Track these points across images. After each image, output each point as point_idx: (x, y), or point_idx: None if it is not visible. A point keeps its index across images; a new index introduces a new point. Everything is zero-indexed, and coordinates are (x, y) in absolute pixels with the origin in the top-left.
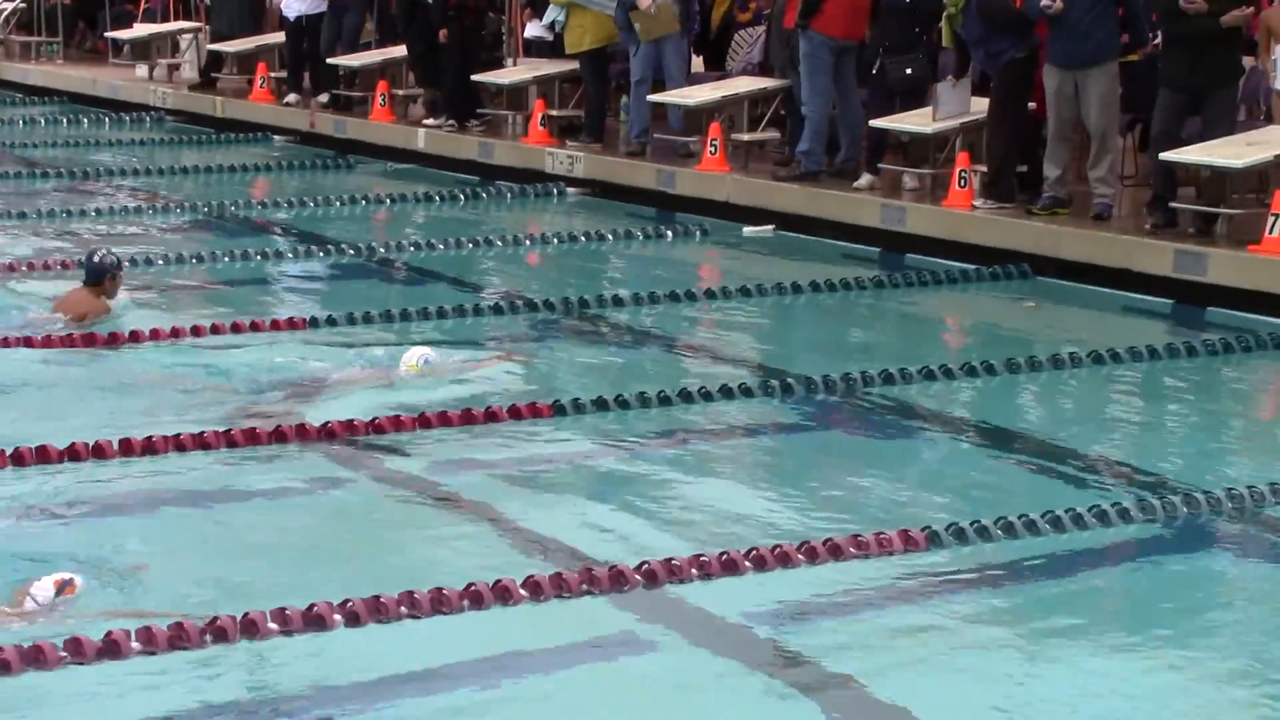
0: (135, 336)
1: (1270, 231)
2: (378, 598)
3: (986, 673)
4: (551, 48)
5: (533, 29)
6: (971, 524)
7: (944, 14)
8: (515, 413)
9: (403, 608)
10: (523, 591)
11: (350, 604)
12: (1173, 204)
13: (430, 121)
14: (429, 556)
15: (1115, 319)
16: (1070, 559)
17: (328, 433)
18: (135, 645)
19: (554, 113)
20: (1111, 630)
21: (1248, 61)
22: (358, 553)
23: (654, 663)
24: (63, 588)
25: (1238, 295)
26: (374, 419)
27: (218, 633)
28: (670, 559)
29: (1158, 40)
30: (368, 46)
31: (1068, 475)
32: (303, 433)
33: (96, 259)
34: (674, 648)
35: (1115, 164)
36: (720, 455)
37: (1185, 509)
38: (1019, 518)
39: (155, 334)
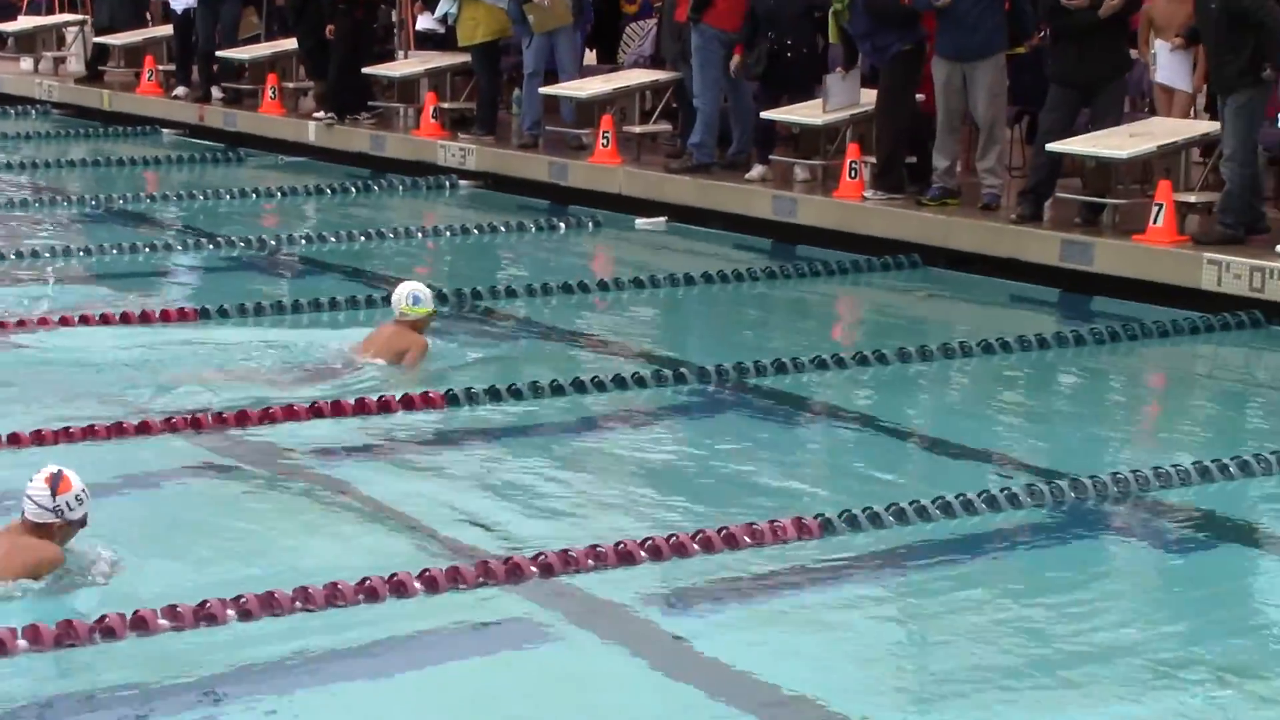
0: (22, 324)
1: (1154, 221)
2: (271, 593)
3: (882, 657)
4: (443, 40)
5: (424, 21)
6: (864, 510)
7: (830, 10)
8: (408, 403)
9: (297, 603)
10: (418, 585)
11: (244, 600)
12: (1060, 194)
13: (320, 115)
14: (321, 550)
15: (1004, 308)
16: (962, 544)
17: (220, 421)
18: (21, 644)
19: (446, 105)
20: (1003, 612)
21: (1133, 53)
22: (250, 548)
23: (551, 653)
24: (55, 483)
25: (1123, 284)
26: (268, 408)
27: (106, 631)
28: (566, 550)
29: (1044, 33)
30: (257, 38)
31: (959, 462)
32: (196, 423)
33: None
34: (571, 638)
35: (1003, 155)
36: (615, 445)
37: (1073, 494)
38: (911, 504)
39: (43, 322)
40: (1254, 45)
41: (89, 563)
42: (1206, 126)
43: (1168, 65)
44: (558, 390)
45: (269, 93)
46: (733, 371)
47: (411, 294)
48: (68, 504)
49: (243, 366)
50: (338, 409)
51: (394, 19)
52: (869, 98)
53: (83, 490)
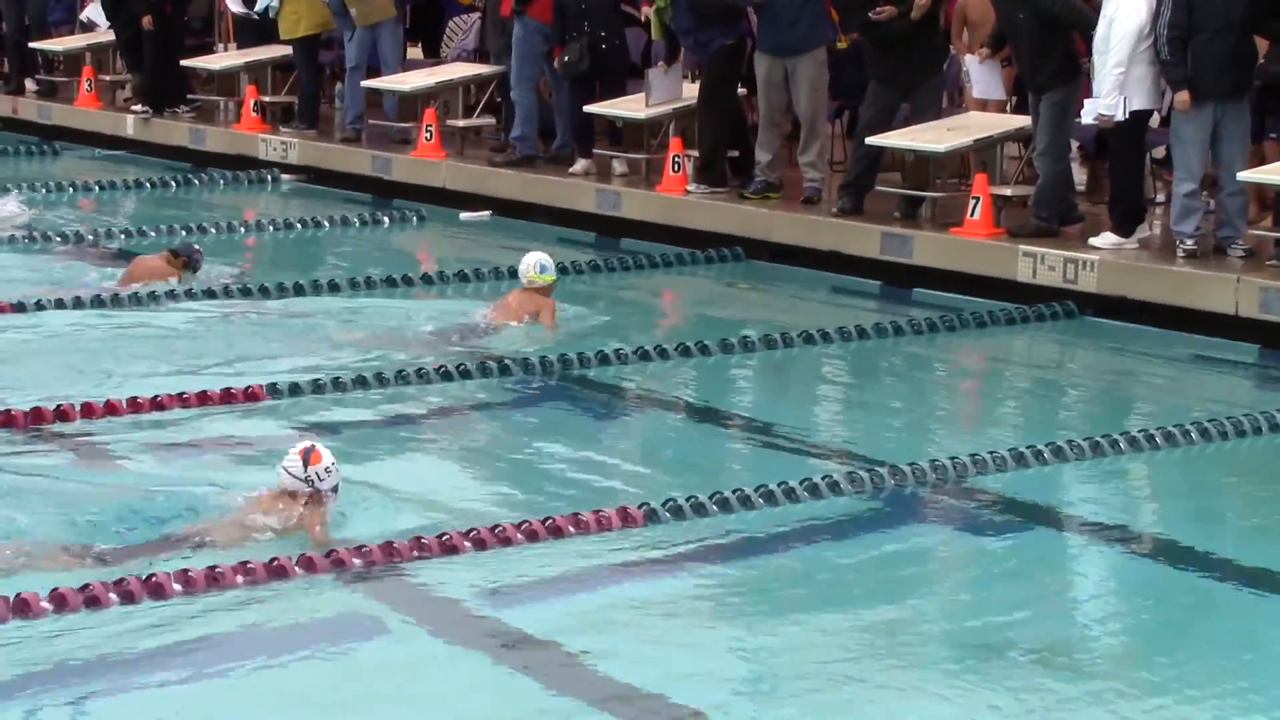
0: None
1: (971, 214)
2: (88, 585)
3: (708, 644)
4: (262, 30)
5: (234, 5)
6: (688, 500)
7: (654, 8)
8: (228, 397)
9: (112, 594)
10: (239, 578)
11: (59, 591)
12: (880, 188)
13: (137, 108)
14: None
15: (825, 300)
16: (786, 531)
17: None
18: None
19: (267, 99)
20: (827, 598)
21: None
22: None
23: (376, 646)
24: (308, 455)
25: (942, 276)
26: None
27: None
28: (390, 542)
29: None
30: (71, 29)
31: (780, 451)
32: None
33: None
34: (396, 630)
35: (824, 149)
36: (439, 437)
37: (892, 481)
38: (733, 492)
39: None
40: (1064, 45)
41: None
42: (1020, 121)
43: (980, 79)
44: (382, 382)
45: (85, 85)
46: (556, 363)
47: (538, 263)
48: (318, 474)
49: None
50: (156, 404)
51: (211, 11)
52: (691, 92)
53: (333, 463)
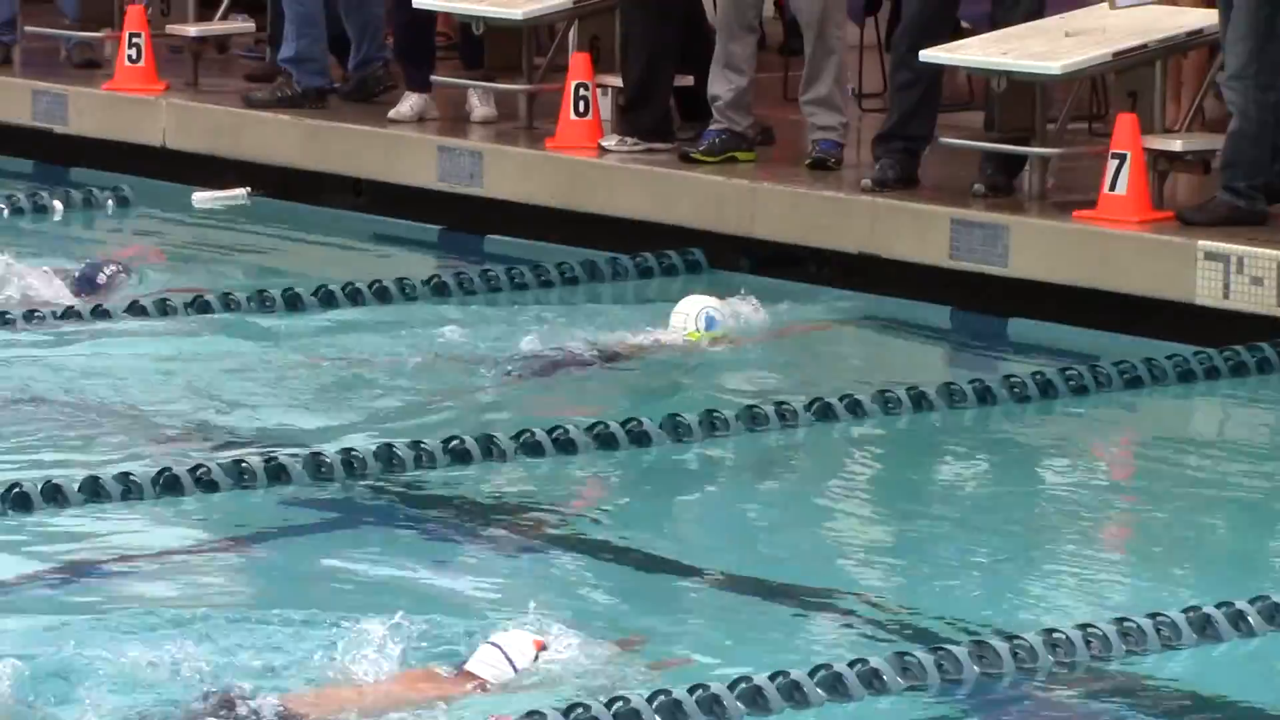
0: None
1: (1111, 187)
2: None
3: None
4: None
5: None
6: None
7: None
8: None
9: None
10: None
11: None
12: (947, 140)
13: None
14: None
15: (854, 340)
16: None
17: None
18: None
19: None
20: None
21: None
22: None
23: None
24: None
25: (1058, 295)
26: None
27: None
28: None
29: None
30: None
31: (777, 616)
32: None
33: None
34: None
35: (843, 75)
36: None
37: (976, 667)
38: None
39: None
40: None
41: None
42: (1197, 19)
43: None
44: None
45: None
46: (373, 461)
47: (702, 313)
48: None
49: None
50: None
51: None
52: None
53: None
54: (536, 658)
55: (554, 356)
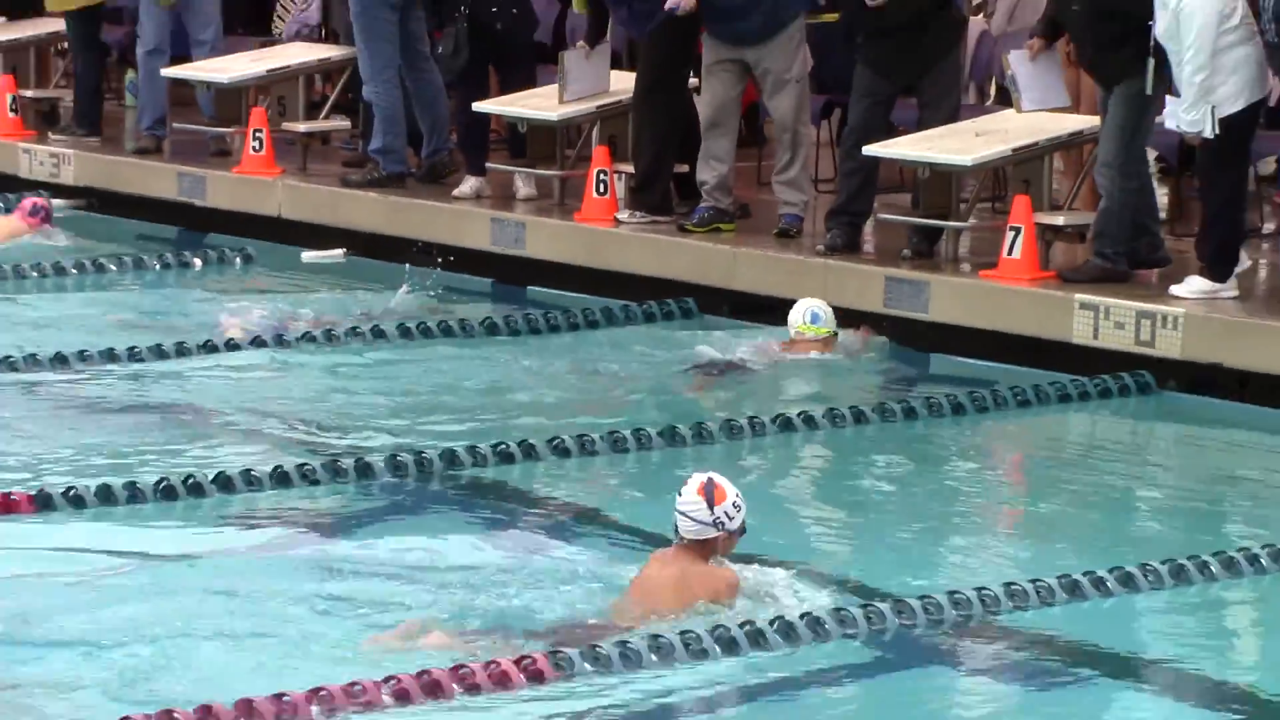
0: None
1: (1009, 252)
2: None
3: None
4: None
5: None
6: (647, 640)
7: None
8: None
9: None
10: None
11: None
12: (884, 215)
13: None
14: None
15: (809, 371)
16: (754, 685)
17: None
18: None
19: (29, 93)
20: None
21: (977, 25)
22: None
23: None
24: (710, 493)
25: (968, 336)
26: None
27: None
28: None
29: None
30: None
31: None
32: None
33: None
34: None
35: (808, 164)
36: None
37: (897, 619)
38: (680, 634)
39: None
40: (1139, 21)
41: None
42: (1077, 123)
43: (1032, 84)
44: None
45: None
46: (439, 461)
47: (809, 311)
48: (726, 514)
49: None
50: None
51: None
52: (623, 84)
53: (738, 496)
54: (710, 500)
55: (726, 360)
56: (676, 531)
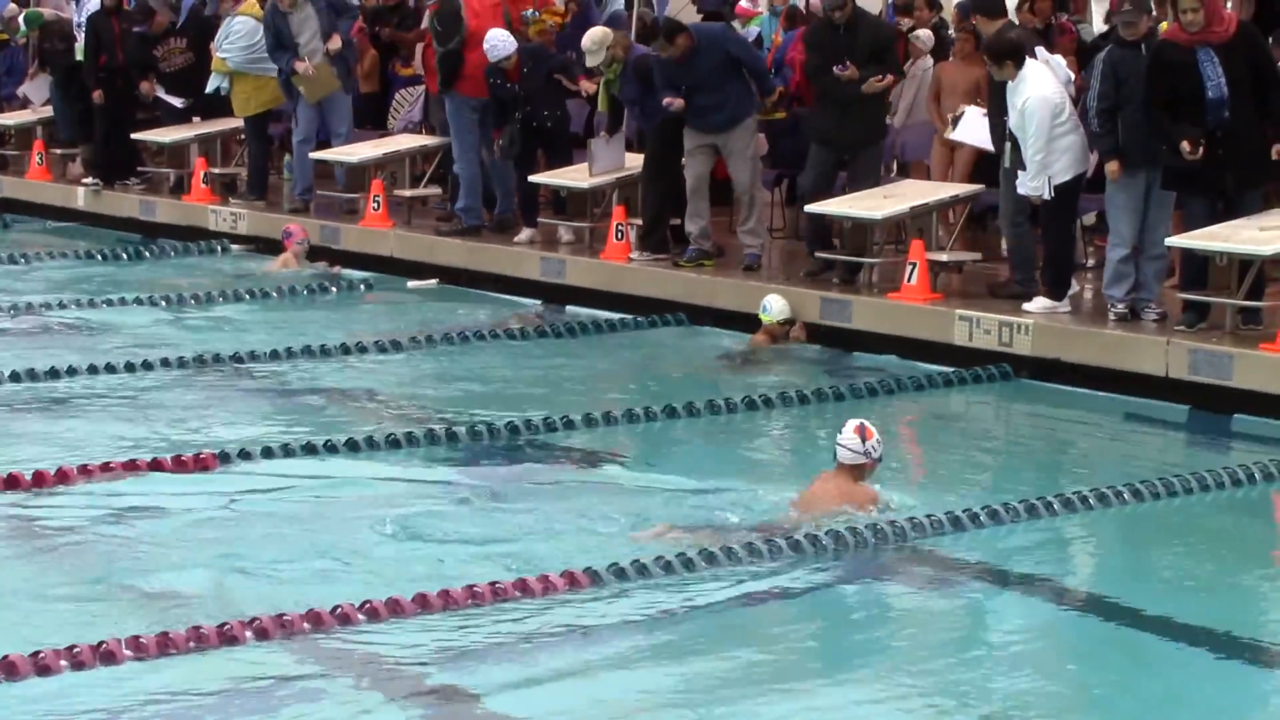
0: None
1: (908, 279)
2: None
3: (660, 709)
4: (189, 114)
5: (167, 97)
6: (632, 563)
7: (603, 80)
8: (180, 464)
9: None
10: (190, 643)
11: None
12: (819, 254)
13: (87, 180)
14: (52, 613)
15: (765, 365)
16: (726, 597)
17: None
18: None
19: (216, 170)
20: (772, 660)
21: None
22: None
23: (322, 709)
24: (863, 432)
25: (880, 340)
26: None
27: None
28: (337, 606)
29: (788, 96)
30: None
31: (743, 500)
32: None
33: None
34: (340, 693)
35: (763, 217)
36: (379, 503)
37: (833, 545)
38: (678, 556)
39: None
40: None
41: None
42: (953, 189)
43: (976, 126)
44: (331, 449)
45: (35, 158)
46: (504, 430)
47: (763, 303)
48: (873, 447)
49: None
50: (107, 469)
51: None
52: (634, 162)
53: (880, 435)
54: (863, 437)
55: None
56: (835, 458)
